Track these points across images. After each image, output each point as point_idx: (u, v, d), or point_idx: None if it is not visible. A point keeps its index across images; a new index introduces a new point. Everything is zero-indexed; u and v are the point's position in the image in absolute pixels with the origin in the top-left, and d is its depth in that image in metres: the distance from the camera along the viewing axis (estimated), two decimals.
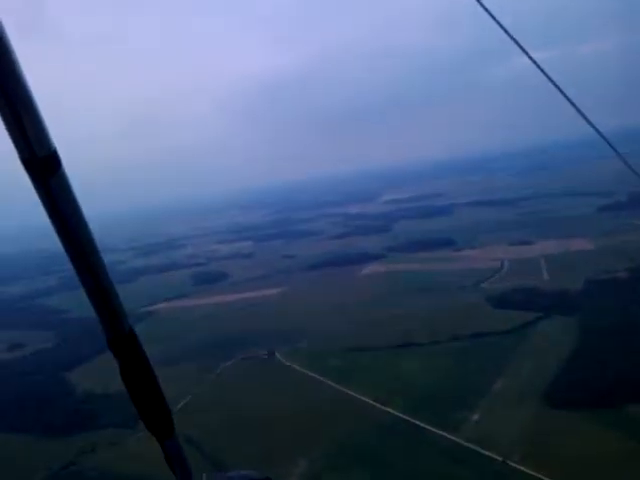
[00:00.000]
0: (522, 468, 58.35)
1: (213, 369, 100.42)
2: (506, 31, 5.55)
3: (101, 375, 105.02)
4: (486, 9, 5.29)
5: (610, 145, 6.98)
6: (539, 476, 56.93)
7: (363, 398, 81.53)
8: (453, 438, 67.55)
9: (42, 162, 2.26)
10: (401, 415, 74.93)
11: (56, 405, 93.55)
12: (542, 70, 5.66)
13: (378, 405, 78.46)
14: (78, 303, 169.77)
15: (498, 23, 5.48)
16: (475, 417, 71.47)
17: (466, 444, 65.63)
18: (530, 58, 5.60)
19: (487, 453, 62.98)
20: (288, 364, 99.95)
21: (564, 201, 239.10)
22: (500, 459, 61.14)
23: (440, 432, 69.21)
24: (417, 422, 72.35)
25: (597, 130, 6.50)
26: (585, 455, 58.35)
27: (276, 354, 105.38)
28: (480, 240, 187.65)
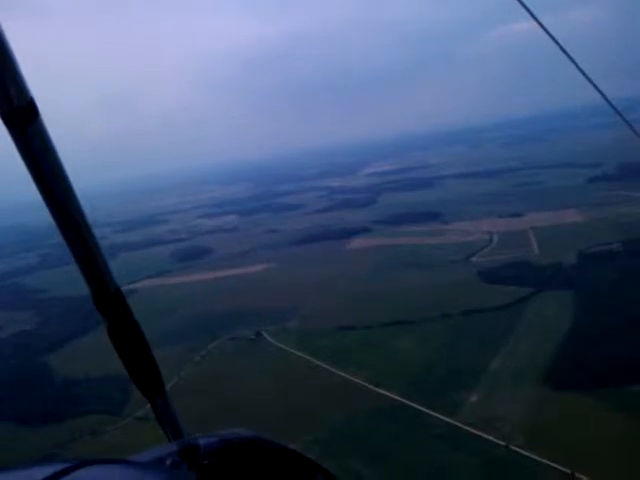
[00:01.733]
0: (527, 453, 55.60)
1: (198, 350, 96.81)
2: None
3: (82, 358, 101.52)
4: None
5: (618, 113, 6.72)
6: (545, 461, 54.31)
7: (356, 380, 78.55)
8: (451, 421, 64.87)
9: (20, 112, 2.22)
10: (396, 397, 72.04)
11: (35, 391, 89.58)
12: (551, 36, 5.42)
13: (372, 387, 75.53)
14: (59, 282, 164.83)
15: None
16: (473, 399, 68.81)
17: (466, 428, 62.93)
18: (540, 24, 5.38)
19: (488, 437, 60.32)
20: (277, 344, 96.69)
21: (553, 172, 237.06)
22: (503, 444, 58.43)
23: (438, 415, 66.48)
24: (413, 405, 69.50)
25: (605, 97, 6.25)
26: (591, 438, 55.88)
27: (264, 334, 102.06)
28: (468, 213, 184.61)
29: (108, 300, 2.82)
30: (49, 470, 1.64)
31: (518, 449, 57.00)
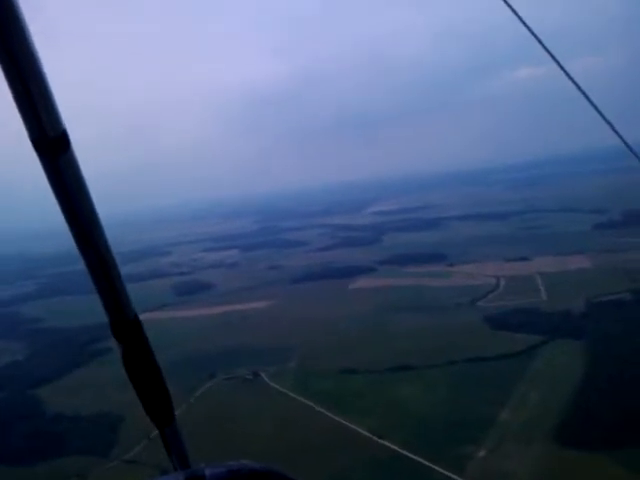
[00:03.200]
0: None
1: (194, 391, 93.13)
2: (537, 38, 5.51)
3: (73, 393, 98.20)
4: (516, 13, 5.27)
5: (637, 156, 6.34)
6: None
7: (357, 428, 74.79)
8: (458, 479, 61.12)
9: (53, 142, 2.24)
10: (399, 450, 68.28)
11: (21, 427, 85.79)
12: (570, 76, 5.45)
13: (374, 438, 71.76)
14: (55, 312, 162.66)
15: (529, 29, 5.43)
16: (481, 454, 65.11)
17: None
18: (560, 66, 5.47)
19: None
20: (274, 386, 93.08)
21: (558, 217, 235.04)
22: None
23: (443, 471, 62.74)
24: (418, 458, 65.79)
25: (624, 141, 6.06)
26: None
27: (261, 374, 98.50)
28: (474, 255, 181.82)
29: (126, 327, 2.83)
30: None
31: None
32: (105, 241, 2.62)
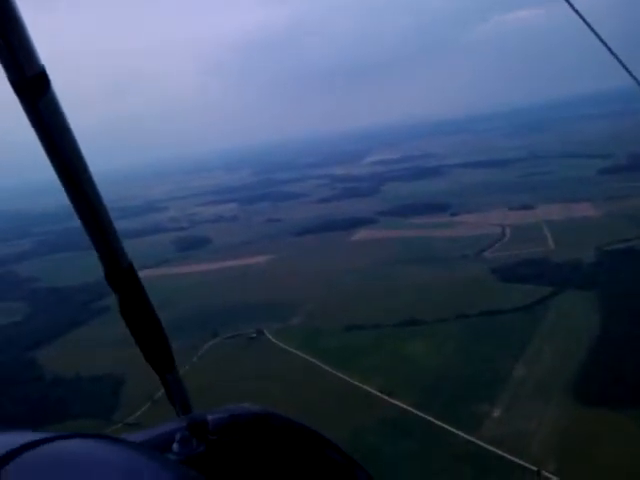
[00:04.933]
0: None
1: (197, 350, 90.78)
2: None
3: (73, 355, 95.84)
4: None
5: None
6: None
7: (366, 387, 72.62)
8: (473, 439, 59.02)
9: (31, 82, 2.15)
10: (411, 409, 66.12)
11: (21, 390, 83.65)
12: (579, 14, 4.98)
13: (384, 396, 69.57)
14: (52, 270, 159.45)
15: None
16: (496, 413, 62.95)
17: (490, 448, 57.06)
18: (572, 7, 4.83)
19: (516, 460, 54.45)
20: (279, 344, 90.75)
21: (560, 163, 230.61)
22: (534, 468, 52.47)
23: (456, 431, 60.62)
24: (429, 418, 63.66)
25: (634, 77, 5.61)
26: (633, 464, 49.97)
27: (265, 332, 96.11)
28: (477, 204, 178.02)
29: (120, 275, 2.80)
30: (26, 438, 1.51)
31: (553, 476, 51.04)
32: (94, 187, 2.52)
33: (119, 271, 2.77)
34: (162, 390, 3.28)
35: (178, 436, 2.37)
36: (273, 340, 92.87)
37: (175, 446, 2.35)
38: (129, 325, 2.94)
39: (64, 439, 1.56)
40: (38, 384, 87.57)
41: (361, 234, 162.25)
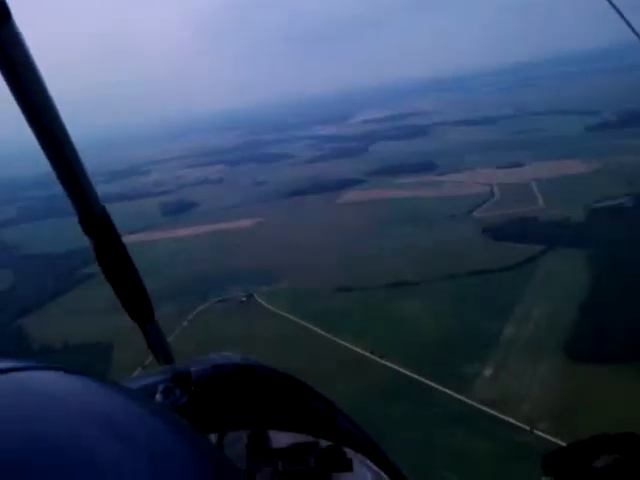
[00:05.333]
0: (555, 440, 49.65)
1: (186, 314, 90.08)
2: None
3: (60, 323, 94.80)
4: None
5: None
6: None
7: (356, 349, 72.45)
8: (464, 399, 59.06)
9: None
10: (402, 370, 66.02)
11: None
12: None
13: (375, 358, 69.45)
14: (37, 237, 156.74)
15: None
16: (488, 372, 62.97)
17: (482, 407, 57.14)
18: None
19: (508, 419, 54.59)
20: (270, 308, 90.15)
21: (549, 119, 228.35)
22: (527, 428, 52.59)
23: (448, 391, 60.66)
24: (421, 379, 63.63)
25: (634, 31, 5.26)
26: (628, 419, 50.02)
27: (255, 295, 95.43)
28: (466, 162, 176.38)
29: (94, 221, 2.76)
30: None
31: (544, 434, 51.16)
32: (64, 129, 2.40)
33: (93, 217, 2.70)
34: (152, 357, 3.22)
35: (161, 387, 2.36)
36: (263, 303, 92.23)
37: (158, 396, 2.32)
38: (105, 272, 2.85)
39: (45, 370, 1.31)
40: (26, 353, 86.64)
41: (349, 195, 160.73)
